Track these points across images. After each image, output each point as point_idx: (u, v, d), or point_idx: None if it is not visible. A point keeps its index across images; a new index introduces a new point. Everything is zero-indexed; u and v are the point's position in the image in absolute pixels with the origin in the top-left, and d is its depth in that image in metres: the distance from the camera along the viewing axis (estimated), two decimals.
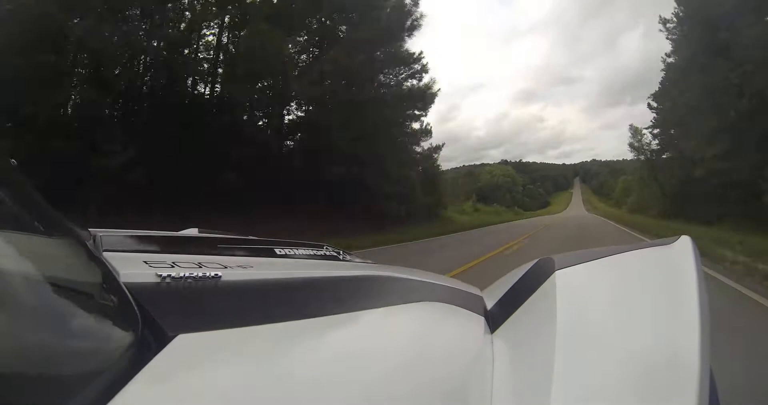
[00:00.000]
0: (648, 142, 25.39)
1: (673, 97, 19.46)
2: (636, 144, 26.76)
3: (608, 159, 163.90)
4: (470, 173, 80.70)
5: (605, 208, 70.61)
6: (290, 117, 13.34)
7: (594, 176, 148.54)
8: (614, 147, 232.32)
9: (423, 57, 14.99)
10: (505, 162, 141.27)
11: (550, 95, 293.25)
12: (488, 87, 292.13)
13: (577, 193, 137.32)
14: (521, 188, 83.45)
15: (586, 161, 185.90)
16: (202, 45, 11.64)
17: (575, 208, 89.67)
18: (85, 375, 0.23)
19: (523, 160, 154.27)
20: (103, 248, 0.52)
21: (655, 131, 23.83)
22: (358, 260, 0.87)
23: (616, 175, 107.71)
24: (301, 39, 13.09)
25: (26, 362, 0.21)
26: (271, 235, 0.86)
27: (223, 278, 0.45)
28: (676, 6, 17.99)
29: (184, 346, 0.28)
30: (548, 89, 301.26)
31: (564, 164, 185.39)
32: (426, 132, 15.89)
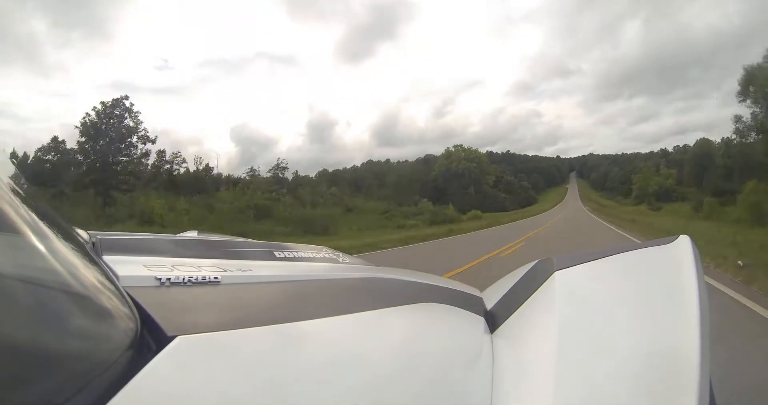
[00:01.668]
0: None
1: None
2: None
3: (607, 153, 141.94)
4: (426, 161, 58.18)
5: (618, 207, 48.39)
6: None
7: (593, 169, 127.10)
8: (612, 144, 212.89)
9: None
10: (490, 153, 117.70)
11: (546, 90, 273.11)
12: (483, 81, 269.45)
13: (573, 188, 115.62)
14: (493, 179, 59.99)
15: (583, 155, 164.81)
16: None
17: (569, 205, 65.58)
18: (85, 376, 0.23)
19: (512, 151, 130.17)
20: (103, 251, 0.52)
21: None
22: (357, 262, 0.88)
23: (624, 166, 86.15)
24: None
25: (26, 364, 0.21)
26: None
27: (222, 281, 0.46)
28: None
29: (183, 347, 0.28)
30: (544, 83, 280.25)
31: (558, 157, 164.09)
32: None
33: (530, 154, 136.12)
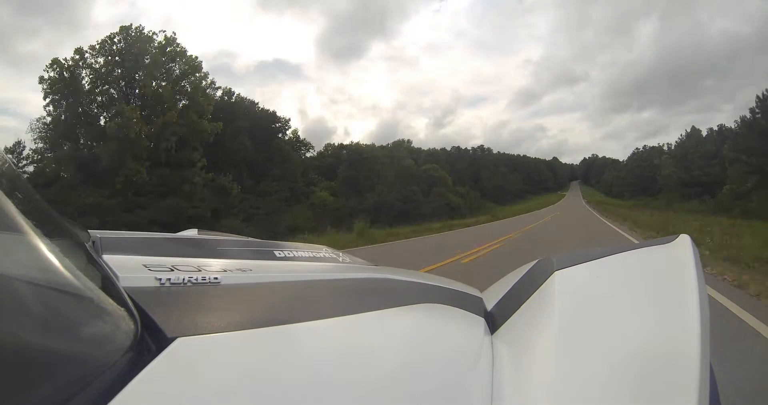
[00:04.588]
0: None
1: None
2: None
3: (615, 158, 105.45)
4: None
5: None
6: None
7: (603, 169, 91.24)
8: (619, 158, 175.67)
9: None
10: (456, 148, 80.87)
11: (551, 103, 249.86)
12: (486, 91, 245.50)
13: (574, 194, 79.61)
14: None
15: (587, 158, 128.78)
16: None
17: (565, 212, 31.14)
18: (84, 378, 0.23)
19: (487, 147, 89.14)
20: (103, 251, 0.52)
21: None
22: (357, 262, 0.87)
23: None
24: None
25: (24, 365, 0.21)
26: None
27: (223, 282, 0.46)
28: None
29: (183, 348, 0.28)
30: (549, 94, 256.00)
31: (555, 158, 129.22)
32: None
33: (521, 154, 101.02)
